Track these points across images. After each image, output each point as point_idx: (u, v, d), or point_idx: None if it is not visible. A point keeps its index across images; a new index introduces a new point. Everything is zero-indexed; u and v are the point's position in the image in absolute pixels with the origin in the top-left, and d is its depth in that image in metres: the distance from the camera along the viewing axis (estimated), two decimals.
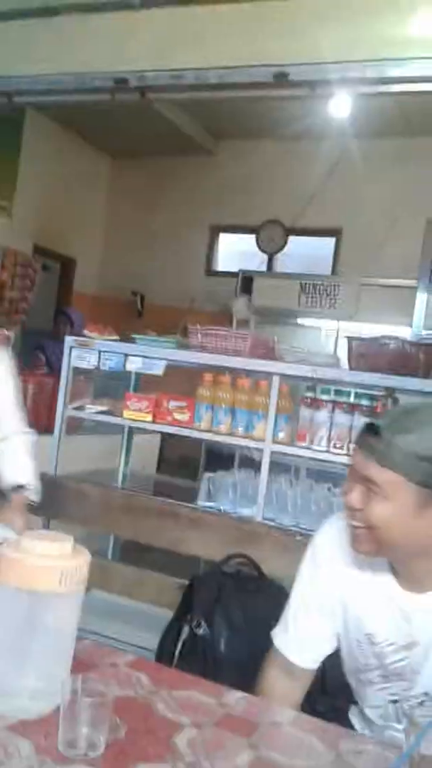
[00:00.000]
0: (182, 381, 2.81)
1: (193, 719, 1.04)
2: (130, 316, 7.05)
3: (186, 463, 5.01)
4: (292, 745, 1.02)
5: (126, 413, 2.71)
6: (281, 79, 2.88)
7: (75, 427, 3.00)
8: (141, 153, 7.20)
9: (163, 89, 3.18)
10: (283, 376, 2.49)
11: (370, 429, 1.16)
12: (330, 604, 1.33)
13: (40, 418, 3.60)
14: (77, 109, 5.33)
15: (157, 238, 7.14)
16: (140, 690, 1.12)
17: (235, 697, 1.16)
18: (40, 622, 0.99)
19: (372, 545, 1.19)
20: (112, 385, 3.17)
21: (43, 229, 6.71)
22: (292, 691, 1.34)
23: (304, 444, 2.47)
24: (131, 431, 3.25)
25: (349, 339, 2.65)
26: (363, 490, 1.17)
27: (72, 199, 7.04)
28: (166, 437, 4.55)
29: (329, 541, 1.35)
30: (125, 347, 2.74)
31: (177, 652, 1.93)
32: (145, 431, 3.22)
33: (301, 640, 1.35)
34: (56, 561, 0.98)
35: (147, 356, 2.67)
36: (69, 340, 2.81)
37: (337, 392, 2.46)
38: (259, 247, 6.81)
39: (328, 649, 1.36)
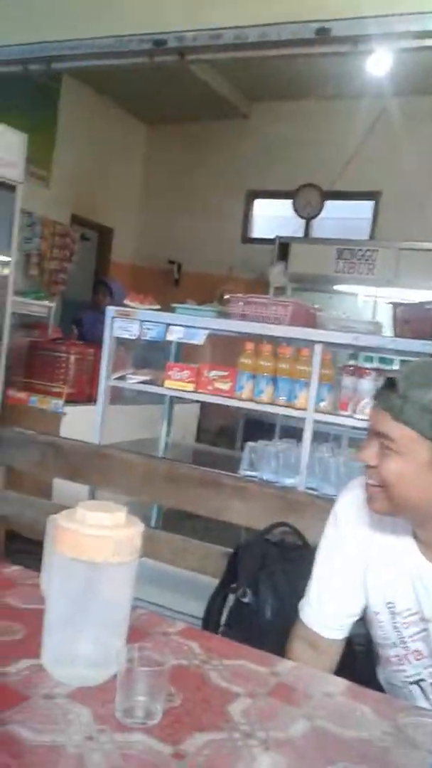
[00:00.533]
0: (220, 350, 2.79)
1: (246, 689, 1.05)
2: (167, 284, 7.04)
3: (224, 432, 5.03)
4: (347, 715, 1.01)
5: (168, 383, 2.71)
6: (323, 34, 2.79)
7: (114, 397, 3.02)
8: (176, 118, 7.10)
9: (202, 49, 3.10)
10: (326, 344, 2.45)
11: (388, 384, 1.14)
12: (352, 569, 1.30)
13: (82, 389, 3.63)
14: (112, 75, 5.26)
15: (193, 205, 7.07)
16: (193, 659, 1.13)
17: (286, 666, 1.16)
18: (95, 592, 1.00)
19: (385, 503, 1.17)
20: (151, 356, 3.18)
21: (80, 198, 6.68)
22: (319, 663, 1.30)
23: (346, 413, 2.44)
24: (172, 401, 3.26)
25: (394, 305, 2.59)
26: (378, 446, 1.15)
27: (108, 167, 6.99)
28: (205, 407, 4.57)
29: (349, 504, 1.32)
30: (167, 317, 2.73)
31: (223, 620, 1.95)
32: (184, 401, 3.23)
33: (323, 609, 1.32)
34: (110, 531, 0.98)
35: (188, 326, 2.66)
36: (110, 310, 2.81)
37: (381, 359, 2.42)
38: (296, 212, 6.69)
39: (351, 618, 1.33)
